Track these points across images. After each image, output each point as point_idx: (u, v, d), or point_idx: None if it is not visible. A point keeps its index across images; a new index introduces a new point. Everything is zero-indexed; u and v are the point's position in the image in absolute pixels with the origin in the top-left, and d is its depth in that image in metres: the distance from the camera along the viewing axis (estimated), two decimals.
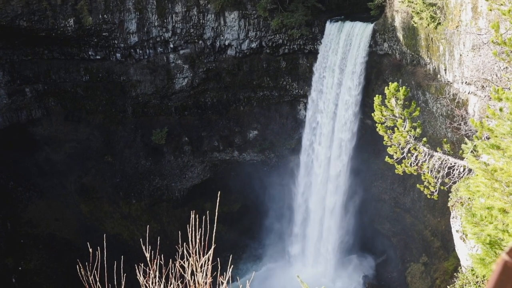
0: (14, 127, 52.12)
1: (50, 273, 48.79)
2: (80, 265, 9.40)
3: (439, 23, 35.15)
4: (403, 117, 17.99)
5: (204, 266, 8.81)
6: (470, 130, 28.46)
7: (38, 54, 50.68)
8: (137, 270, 9.14)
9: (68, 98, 53.49)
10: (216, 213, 9.13)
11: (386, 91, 17.95)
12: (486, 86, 29.53)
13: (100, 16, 47.15)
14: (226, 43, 50.77)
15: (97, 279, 9.39)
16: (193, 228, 8.77)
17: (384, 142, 19.09)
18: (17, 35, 46.73)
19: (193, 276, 8.87)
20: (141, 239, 9.47)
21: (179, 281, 9.14)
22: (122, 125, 54.54)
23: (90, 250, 9.69)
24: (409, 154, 18.75)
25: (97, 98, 53.61)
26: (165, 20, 48.78)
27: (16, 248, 48.59)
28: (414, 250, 45.89)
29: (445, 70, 36.39)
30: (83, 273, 9.38)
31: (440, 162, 18.07)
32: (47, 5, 44.63)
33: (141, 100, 53.57)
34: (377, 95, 18.57)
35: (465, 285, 15.08)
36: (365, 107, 45.49)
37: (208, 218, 9.19)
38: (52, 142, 53.78)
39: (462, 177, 17.71)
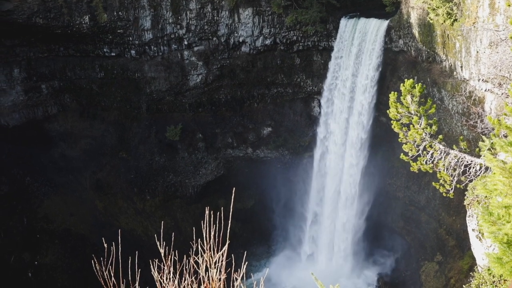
0: (31, 123, 52.72)
1: (66, 267, 49.35)
2: (95, 260, 9.46)
3: (455, 20, 34.73)
4: (418, 114, 17.82)
5: (218, 263, 8.81)
6: (487, 128, 28.12)
7: (54, 51, 51.13)
8: (151, 266, 9.18)
9: (83, 95, 53.94)
10: (231, 210, 9.12)
11: (402, 88, 17.79)
12: (504, 84, 29.14)
13: (115, 13, 47.40)
14: (240, 40, 50.73)
15: (112, 274, 9.43)
16: (208, 224, 8.77)
17: (399, 140, 18.95)
18: (33, 33, 47.19)
19: (207, 272, 8.88)
20: (155, 235, 9.50)
21: (193, 277, 9.15)
22: (136, 121, 54.86)
23: (105, 245, 9.74)
24: (424, 152, 18.58)
25: (112, 95, 53.98)
26: (179, 17, 48.88)
27: (33, 243, 49.22)
28: (429, 248, 45.53)
29: (461, 67, 35.97)
30: (98, 268, 9.43)
31: (456, 160, 17.88)
32: (63, 2, 44.99)
33: (155, 97, 53.81)
34: (392, 92, 18.43)
35: (482, 284, 14.91)
36: (380, 104, 45.19)
37: (222, 215, 9.18)
38: (67, 138, 54.31)
39: (478, 175, 17.50)
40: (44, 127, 53.76)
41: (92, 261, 9.56)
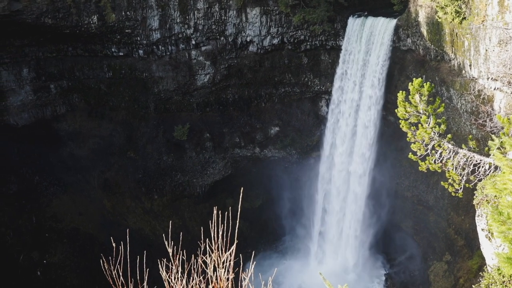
0: (39, 123, 53.03)
1: (74, 266, 49.61)
2: (104, 259, 9.49)
3: (464, 18, 34.50)
4: (427, 113, 17.73)
5: (226, 262, 8.81)
6: (496, 127, 27.94)
7: (63, 51, 51.40)
8: (159, 265, 9.19)
9: (91, 95, 54.17)
10: (239, 209, 9.11)
11: (410, 87, 17.71)
12: None
13: (123, 13, 47.57)
14: (248, 39, 50.72)
15: (120, 274, 9.46)
16: (215, 224, 8.77)
17: (407, 139, 18.87)
18: (42, 33, 47.45)
19: (215, 272, 8.88)
20: (163, 235, 9.53)
21: (201, 277, 9.16)
22: (144, 121, 55.02)
23: (113, 244, 9.76)
24: (433, 151, 18.48)
25: (120, 94, 54.17)
26: (187, 17, 48.96)
27: (41, 242, 49.52)
28: (437, 248, 45.31)
29: (470, 65, 35.73)
30: (106, 267, 9.46)
31: (465, 159, 17.77)
32: (71, 2, 45.22)
33: (163, 96, 53.94)
34: (401, 91, 18.35)
35: (491, 284, 14.78)
36: (388, 103, 45.01)
37: (230, 214, 9.18)
38: (76, 138, 54.58)
39: (488, 174, 17.39)
40: (52, 126, 54.06)
41: (101, 260, 9.59)
